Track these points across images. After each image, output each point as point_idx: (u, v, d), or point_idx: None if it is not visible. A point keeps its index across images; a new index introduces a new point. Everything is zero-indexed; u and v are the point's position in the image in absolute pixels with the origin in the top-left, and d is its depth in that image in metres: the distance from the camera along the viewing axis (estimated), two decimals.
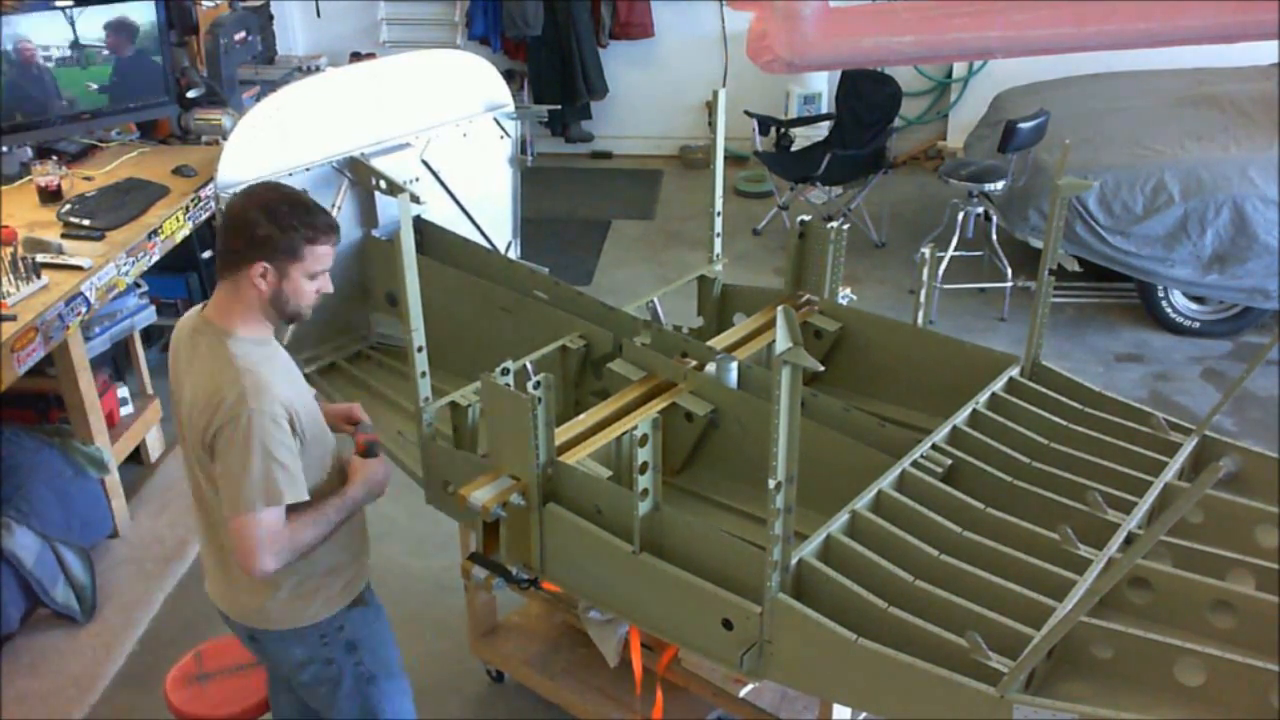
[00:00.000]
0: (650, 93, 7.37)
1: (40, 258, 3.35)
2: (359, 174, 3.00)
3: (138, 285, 3.94)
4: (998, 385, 2.52)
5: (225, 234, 2.08)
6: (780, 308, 1.81)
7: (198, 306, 2.21)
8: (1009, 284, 5.28)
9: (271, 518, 2.05)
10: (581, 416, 2.47)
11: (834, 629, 1.88)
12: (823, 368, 1.98)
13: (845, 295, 2.95)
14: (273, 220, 2.02)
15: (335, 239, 2.13)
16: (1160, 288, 5.07)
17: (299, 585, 2.25)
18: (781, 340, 1.70)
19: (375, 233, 3.14)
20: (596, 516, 2.19)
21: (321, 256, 2.10)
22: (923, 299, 2.76)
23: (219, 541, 2.23)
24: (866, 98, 6.14)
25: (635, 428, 2.01)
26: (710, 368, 2.56)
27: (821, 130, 6.49)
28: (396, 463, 2.83)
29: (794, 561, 1.96)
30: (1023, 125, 4.98)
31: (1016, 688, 1.75)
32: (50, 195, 3.80)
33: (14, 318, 3.10)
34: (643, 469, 2.02)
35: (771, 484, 1.81)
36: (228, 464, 2.03)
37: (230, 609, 2.34)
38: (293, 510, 2.10)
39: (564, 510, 2.22)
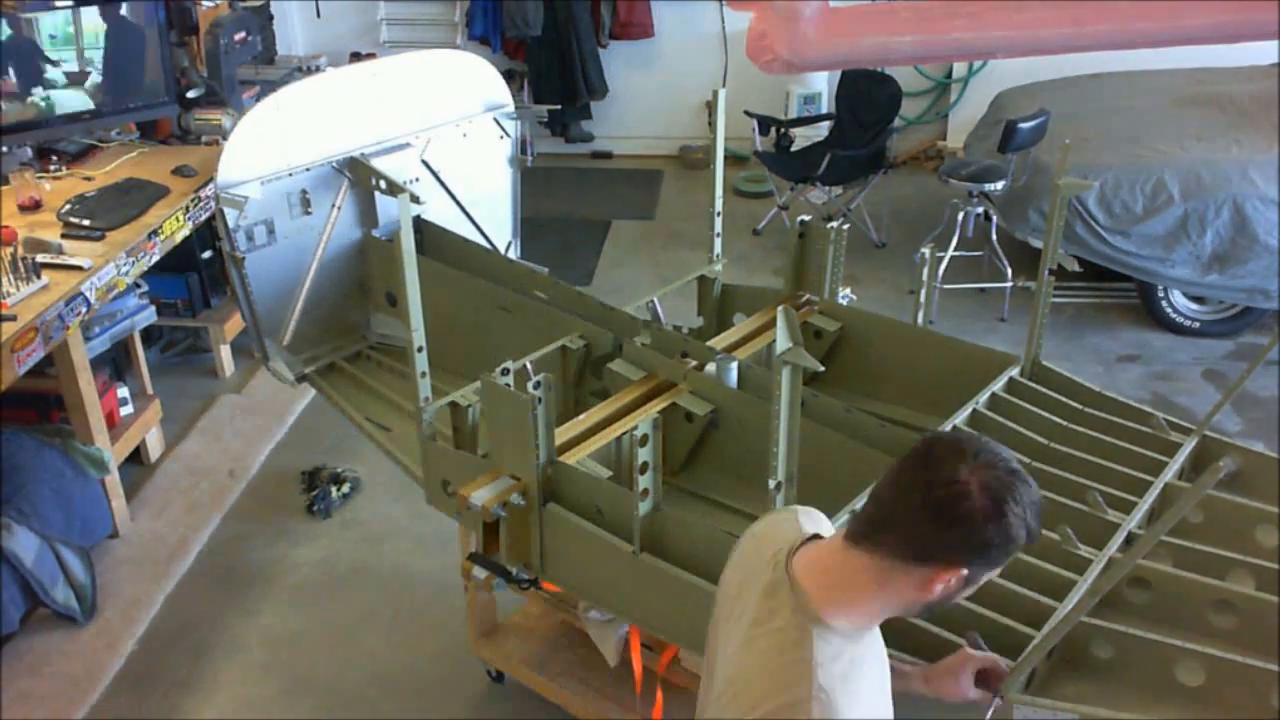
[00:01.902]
0: (650, 93, 7.36)
1: (40, 258, 3.35)
2: (359, 174, 3.00)
3: (138, 285, 3.93)
4: (998, 385, 2.52)
5: (933, 517, 1.39)
6: (780, 308, 1.81)
7: (792, 534, 1.58)
8: (1009, 284, 5.28)
9: None
10: (581, 416, 2.47)
11: None
12: (823, 368, 1.99)
13: (845, 295, 2.96)
14: (1004, 529, 1.39)
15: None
16: (1160, 288, 5.07)
17: None
18: (781, 340, 1.70)
19: (375, 233, 3.14)
20: (597, 516, 2.19)
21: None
22: (923, 299, 2.76)
23: None
24: (866, 98, 6.14)
25: (635, 428, 2.01)
26: (710, 368, 2.56)
27: (821, 130, 6.48)
28: (396, 462, 2.83)
29: None
30: (1023, 125, 4.98)
31: (1017, 688, 1.75)
32: (30, 209, 3.76)
33: (14, 318, 3.10)
34: (643, 469, 2.02)
35: (772, 484, 1.81)
36: None
37: None
38: None
39: (564, 510, 2.22)
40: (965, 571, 1.42)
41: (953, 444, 1.43)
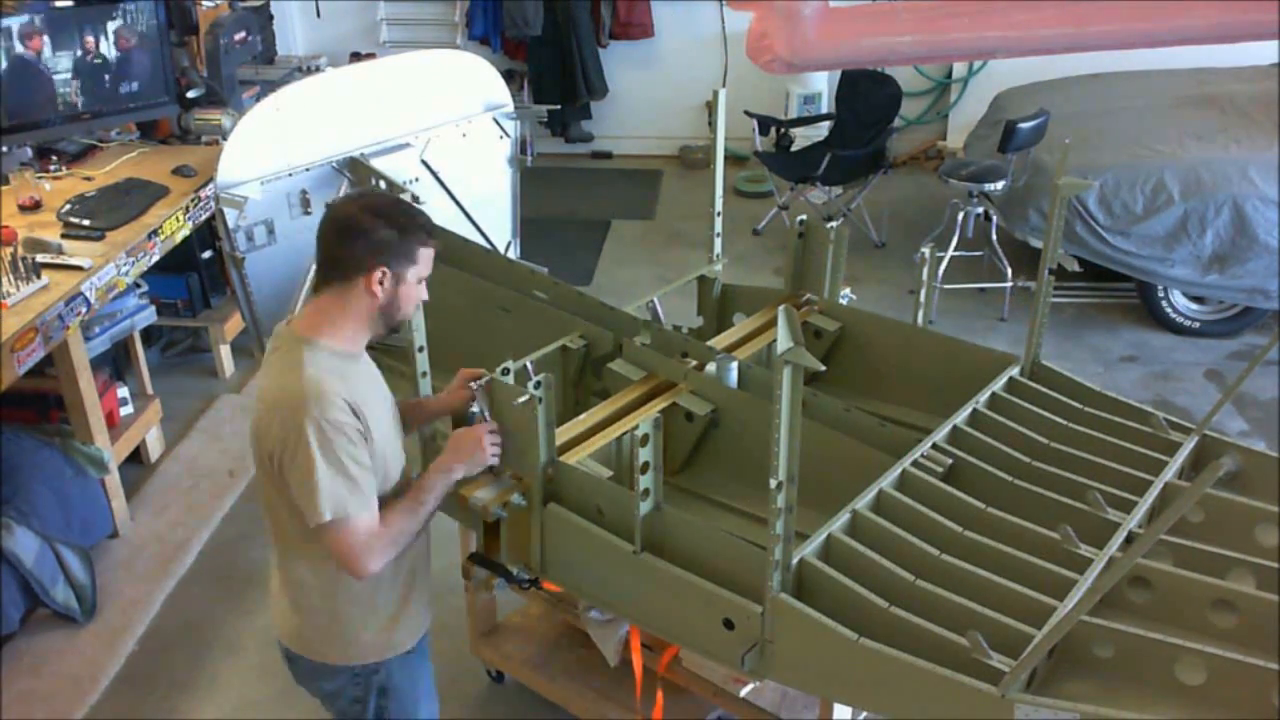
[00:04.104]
0: (650, 93, 7.36)
1: (40, 258, 3.35)
2: (359, 174, 3.00)
3: (138, 285, 3.93)
4: (998, 385, 2.52)
5: (336, 240, 1.95)
6: (781, 307, 1.81)
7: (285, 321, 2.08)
8: (1009, 284, 5.28)
9: (363, 521, 1.96)
10: (582, 416, 2.47)
11: (835, 628, 1.88)
12: (823, 367, 1.99)
13: (845, 295, 2.96)
14: (390, 223, 1.93)
15: (438, 243, 2.05)
16: (1160, 288, 5.07)
17: (345, 622, 2.14)
18: (782, 340, 1.70)
19: None
20: (597, 516, 2.19)
21: (429, 259, 2.03)
22: (923, 299, 2.76)
23: (279, 555, 2.14)
24: (866, 98, 6.14)
25: (636, 427, 2.01)
26: (710, 367, 2.56)
27: (821, 130, 6.48)
28: None
29: (795, 561, 1.96)
30: (1023, 125, 4.98)
31: (1018, 687, 1.76)
32: (30, 209, 3.78)
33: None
34: (644, 469, 2.02)
35: (772, 484, 1.81)
36: (298, 477, 1.92)
37: (274, 624, 2.23)
38: (386, 502, 2.05)
39: (565, 510, 2.22)
40: (386, 269, 1.94)
41: (347, 195, 2.07)
